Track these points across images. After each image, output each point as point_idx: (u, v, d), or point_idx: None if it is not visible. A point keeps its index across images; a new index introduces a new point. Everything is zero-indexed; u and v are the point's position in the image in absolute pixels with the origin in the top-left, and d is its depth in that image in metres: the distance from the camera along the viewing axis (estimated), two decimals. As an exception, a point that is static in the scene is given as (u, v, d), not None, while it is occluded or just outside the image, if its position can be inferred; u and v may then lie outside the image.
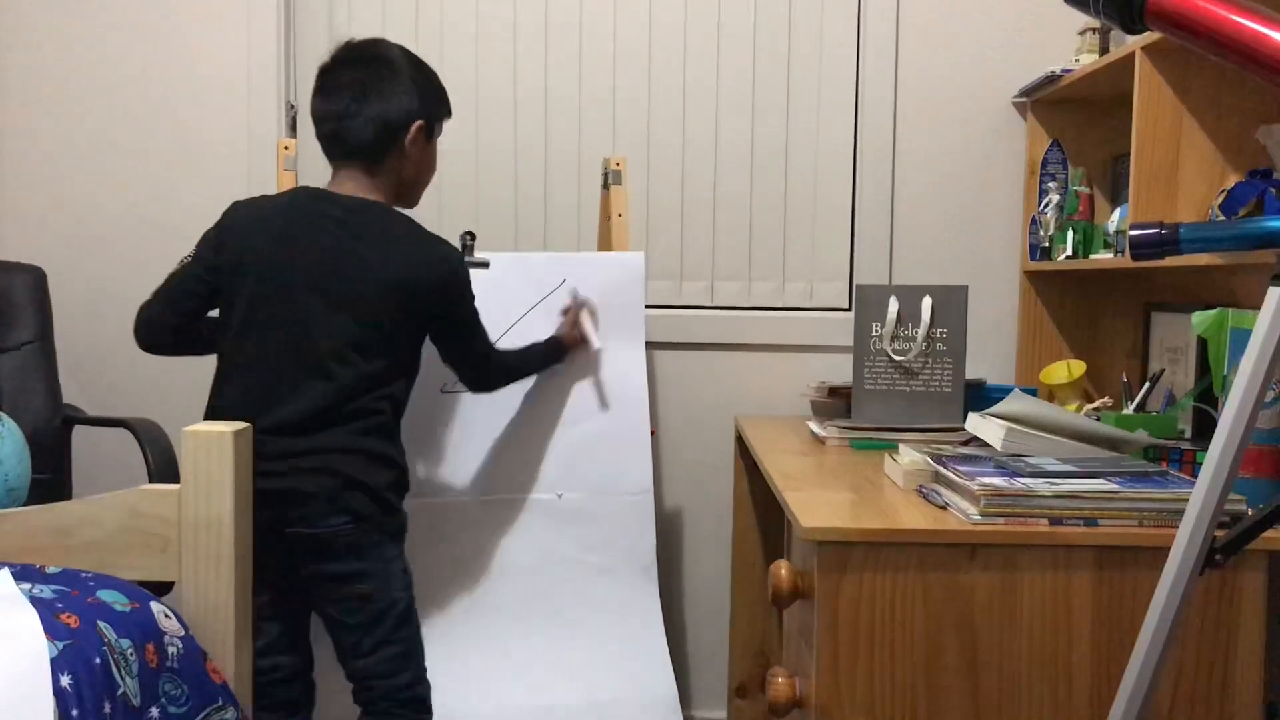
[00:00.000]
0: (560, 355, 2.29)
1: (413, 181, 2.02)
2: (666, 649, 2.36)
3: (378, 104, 1.92)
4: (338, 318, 1.87)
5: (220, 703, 1.82)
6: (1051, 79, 2.54)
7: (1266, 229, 1.18)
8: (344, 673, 1.97)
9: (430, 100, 2.00)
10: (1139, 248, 1.22)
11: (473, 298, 2.01)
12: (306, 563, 1.91)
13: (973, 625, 1.51)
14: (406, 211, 2.00)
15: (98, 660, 1.58)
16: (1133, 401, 2.15)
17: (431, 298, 1.94)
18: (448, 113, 2.09)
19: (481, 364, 2.10)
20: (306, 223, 1.91)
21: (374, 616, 1.91)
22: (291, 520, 1.88)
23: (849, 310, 2.85)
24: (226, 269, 1.96)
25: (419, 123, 1.95)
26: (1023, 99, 2.74)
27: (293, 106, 2.86)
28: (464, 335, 2.03)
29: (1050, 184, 2.63)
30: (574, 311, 2.32)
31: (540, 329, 2.39)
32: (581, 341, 2.31)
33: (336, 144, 1.95)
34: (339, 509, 1.87)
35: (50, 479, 2.51)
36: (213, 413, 1.94)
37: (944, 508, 1.62)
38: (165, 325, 2.04)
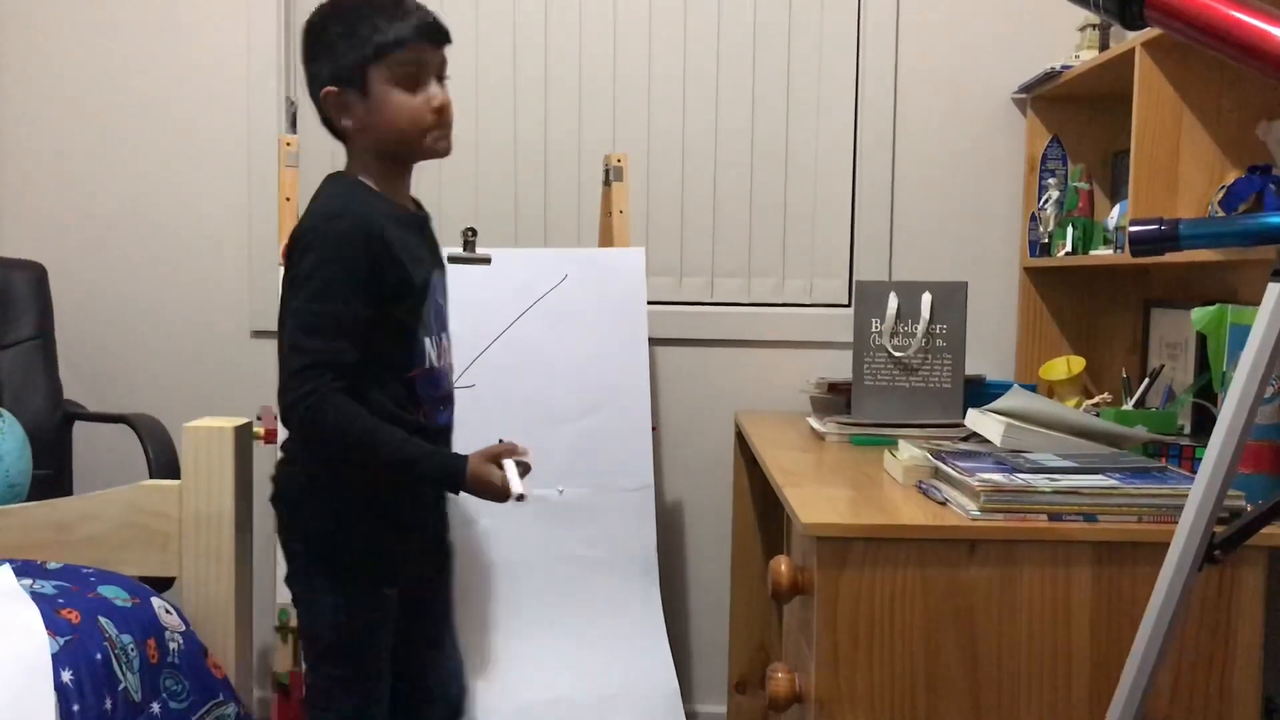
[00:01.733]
0: (447, 482, 1.69)
1: (374, 140, 1.71)
2: (667, 644, 2.37)
3: (310, 85, 1.72)
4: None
5: (221, 698, 1.83)
6: (1051, 75, 2.54)
7: (1266, 225, 1.18)
8: None
9: (342, 52, 1.68)
10: (1139, 244, 1.22)
11: (308, 279, 1.60)
12: None
13: (972, 621, 1.52)
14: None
15: (99, 656, 1.59)
16: (1132, 397, 2.15)
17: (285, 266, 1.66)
18: (388, 47, 1.67)
19: (281, 372, 1.63)
20: None
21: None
22: None
23: (849, 306, 2.85)
24: None
25: (326, 90, 1.68)
26: (1022, 95, 2.74)
27: (293, 102, 2.86)
28: (286, 319, 1.64)
29: (1050, 180, 2.63)
30: (500, 451, 1.69)
31: (540, 327, 2.39)
32: (491, 485, 1.66)
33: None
34: (278, 518, 1.73)
35: (51, 475, 2.52)
36: None
37: (943, 503, 1.62)
38: None
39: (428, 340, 1.73)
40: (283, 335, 1.64)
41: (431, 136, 1.72)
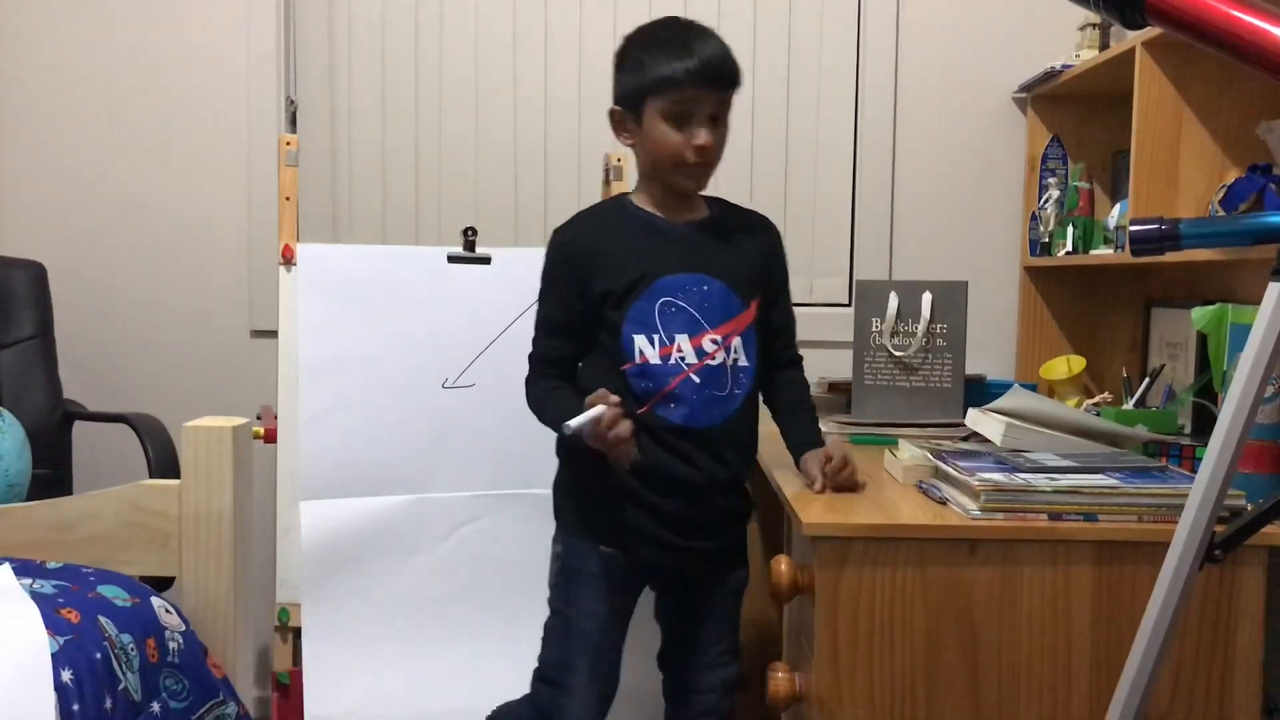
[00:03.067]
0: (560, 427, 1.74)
1: (651, 164, 1.84)
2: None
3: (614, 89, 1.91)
4: None
5: (221, 697, 1.82)
6: (1052, 74, 2.54)
7: (1266, 224, 1.18)
8: None
9: (627, 78, 1.83)
10: (1139, 243, 1.22)
11: (540, 275, 1.93)
12: None
13: (972, 620, 1.52)
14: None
15: (99, 655, 1.59)
16: (1132, 397, 2.15)
17: None
18: (664, 85, 1.77)
19: None
20: None
21: None
22: None
23: (849, 306, 2.84)
24: None
25: (610, 109, 1.87)
26: (1023, 94, 2.74)
27: (292, 102, 2.86)
28: None
29: (1050, 179, 2.63)
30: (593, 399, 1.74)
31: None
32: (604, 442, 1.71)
33: None
34: None
35: (51, 474, 2.51)
36: None
37: (944, 503, 1.62)
38: None
39: (640, 338, 1.81)
40: None
41: (683, 172, 1.81)
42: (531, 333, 1.89)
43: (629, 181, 2.61)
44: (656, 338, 1.81)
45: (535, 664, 1.93)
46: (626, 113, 1.83)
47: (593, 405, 1.70)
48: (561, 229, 1.89)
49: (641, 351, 1.80)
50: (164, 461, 2.38)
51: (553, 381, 1.86)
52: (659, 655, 2.01)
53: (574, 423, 1.70)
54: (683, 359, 1.81)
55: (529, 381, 1.90)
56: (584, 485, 1.88)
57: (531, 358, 1.90)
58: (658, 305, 1.82)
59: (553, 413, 1.81)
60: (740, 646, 1.99)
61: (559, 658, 1.89)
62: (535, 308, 1.89)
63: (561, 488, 1.94)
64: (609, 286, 1.81)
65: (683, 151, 1.77)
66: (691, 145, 1.77)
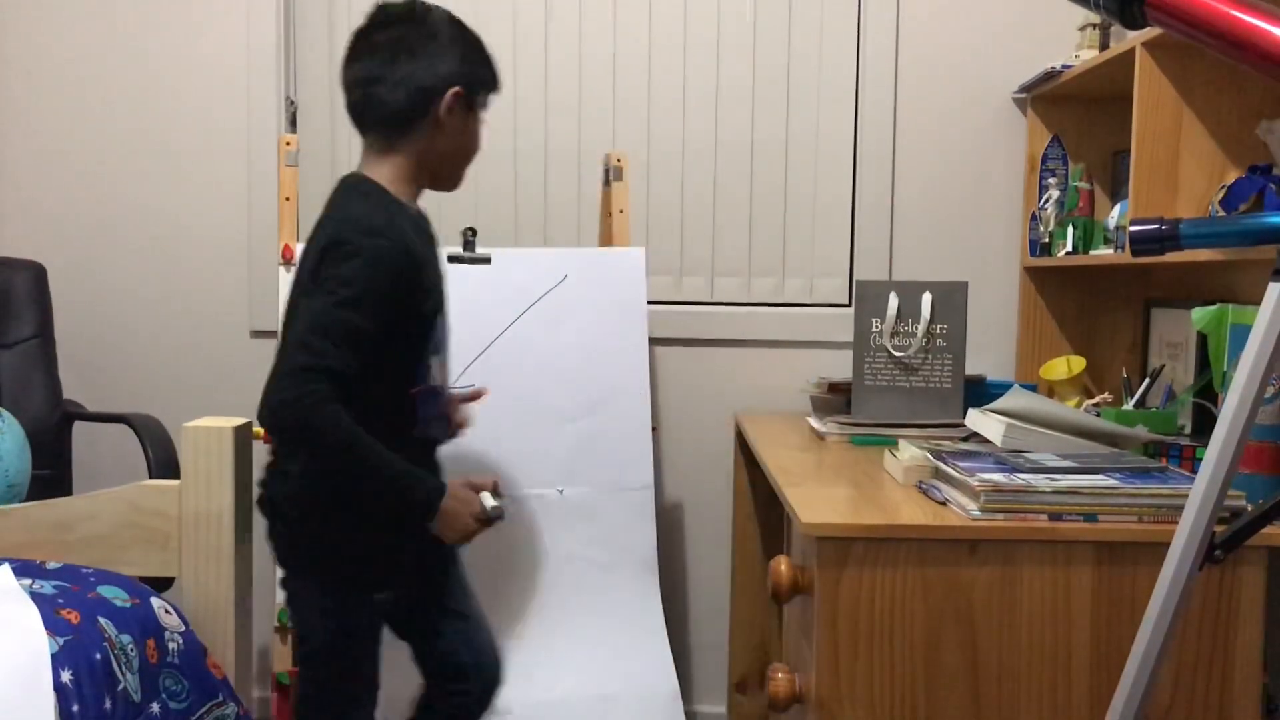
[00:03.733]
0: (418, 505, 1.65)
1: (448, 157, 1.75)
2: (667, 644, 2.37)
3: (408, 66, 1.68)
4: (291, 309, 1.70)
5: (221, 698, 1.82)
6: (1052, 75, 2.54)
7: (1266, 225, 1.18)
8: None
9: (472, 66, 1.74)
10: (1139, 243, 1.22)
11: (339, 284, 1.59)
12: None
13: (972, 621, 1.52)
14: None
15: (98, 656, 1.59)
16: (1132, 397, 2.15)
17: (308, 276, 1.64)
18: (494, 85, 1.79)
19: (277, 364, 1.59)
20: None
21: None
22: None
23: (849, 306, 2.84)
24: None
25: (457, 89, 1.70)
26: (1023, 95, 2.74)
27: (292, 102, 2.86)
28: (298, 314, 1.63)
29: (1050, 180, 2.63)
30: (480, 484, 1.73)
31: (540, 327, 2.39)
32: (461, 527, 1.68)
33: (361, 113, 1.73)
34: (270, 526, 1.76)
35: (51, 475, 2.51)
36: None
37: (944, 503, 1.62)
38: None
39: (435, 359, 1.76)
40: (286, 330, 1.64)
41: (464, 170, 1.81)
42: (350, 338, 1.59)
43: (629, 181, 2.61)
44: (436, 359, 1.77)
45: None
46: (461, 100, 1.72)
47: (488, 490, 1.69)
48: (384, 230, 1.64)
49: (432, 374, 1.74)
50: (164, 462, 2.38)
51: (346, 412, 1.57)
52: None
53: (499, 505, 1.68)
54: (442, 377, 1.80)
55: (312, 399, 1.54)
56: (346, 533, 1.70)
57: (309, 369, 1.55)
58: (445, 322, 1.79)
59: (398, 473, 1.62)
60: None
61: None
62: (332, 306, 1.58)
63: (317, 537, 1.71)
64: (424, 302, 1.70)
65: (475, 153, 1.80)
66: (480, 147, 1.80)
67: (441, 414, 1.80)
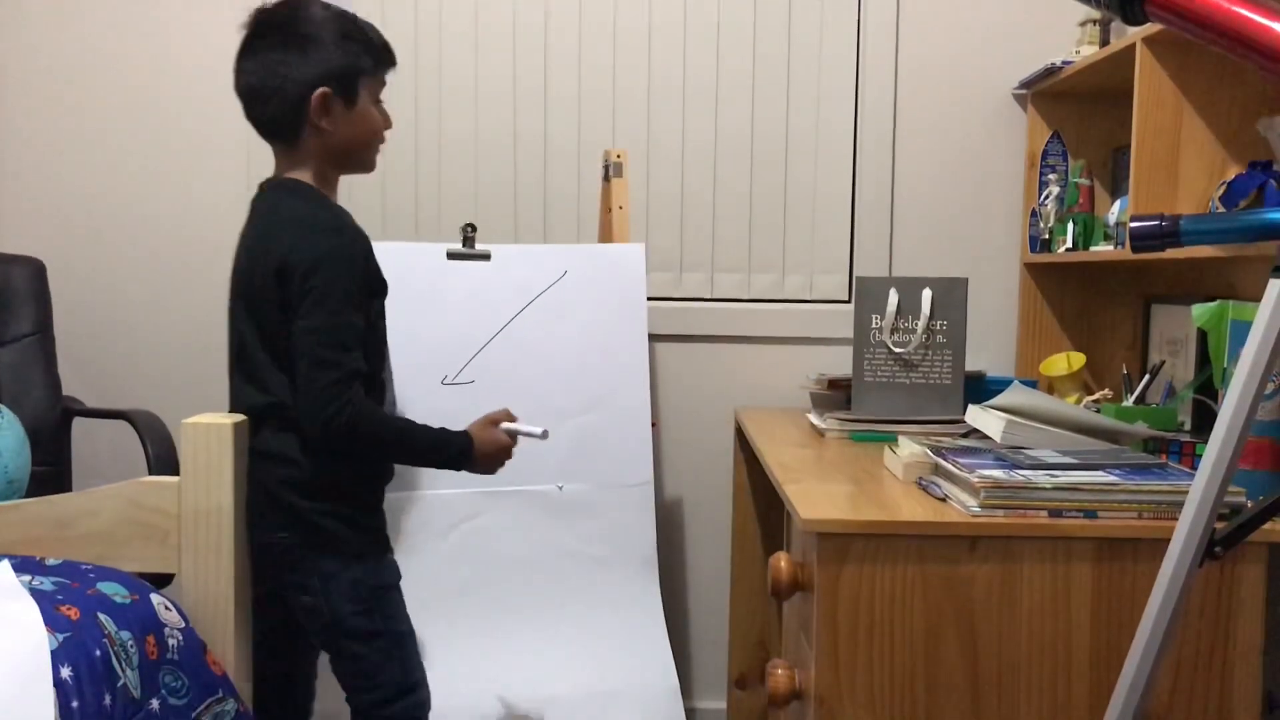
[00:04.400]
0: (457, 459, 1.80)
1: (347, 150, 1.78)
2: (667, 640, 2.37)
3: (276, 76, 1.71)
4: (243, 313, 1.77)
5: (220, 694, 1.82)
6: (1052, 71, 2.54)
7: (1267, 221, 1.18)
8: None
9: (345, 57, 1.74)
10: (1139, 240, 1.22)
11: (329, 296, 1.66)
12: (261, 572, 1.84)
13: (972, 617, 1.52)
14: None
15: (98, 652, 1.59)
16: (1132, 394, 2.15)
17: (268, 280, 1.70)
18: (377, 67, 1.80)
19: (310, 389, 1.67)
20: (249, 218, 1.82)
21: (321, 630, 1.81)
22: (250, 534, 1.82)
23: (849, 302, 2.84)
24: None
25: (321, 90, 1.71)
26: (1023, 91, 2.73)
27: (292, 98, 2.85)
28: (299, 338, 1.68)
29: (1050, 176, 2.63)
30: (496, 417, 1.86)
31: (540, 323, 2.38)
32: (499, 447, 1.83)
33: (254, 124, 1.77)
34: (263, 518, 1.80)
35: (50, 471, 2.51)
36: None
37: (943, 500, 1.62)
38: None
39: (387, 347, 1.86)
40: (292, 353, 1.70)
41: (375, 154, 1.84)
42: (332, 344, 1.68)
43: (629, 177, 2.61)
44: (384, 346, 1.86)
45: (370, 699, 1.81)
46: (334, 95, 1.73)
47: (510, 421, 1.83)
48: (341, 227, 1.73)
49: (389, 361, 1.85)
50: (163, 458, 2.38)
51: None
52: None
53: (533, 431, 1.83)
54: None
55: (353, 406, 1.66)
56: (368, 505, 1.82)
57: (340, 380, 1.66)
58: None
59: (434, 440, 1.77)
60: None
61: (404, 671, 1.83)
62: (329, 316, 1.66)
63: (336, 515, 1.77)
64: (380, 290, 1.80)
65: (382, 132, 1.82)
66: (388, 124, 1.83)
67: (391, 400, 1.93)
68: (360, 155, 1.82)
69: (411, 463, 1.94)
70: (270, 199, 1.78)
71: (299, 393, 1.68)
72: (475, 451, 1.80)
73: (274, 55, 1.72)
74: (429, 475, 2.30)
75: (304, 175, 1.77)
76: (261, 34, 1.75)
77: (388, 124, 1.84)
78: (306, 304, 1.66)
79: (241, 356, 1.79)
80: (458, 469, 1.81)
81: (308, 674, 1.98)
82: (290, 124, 1.74)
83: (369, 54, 1.78)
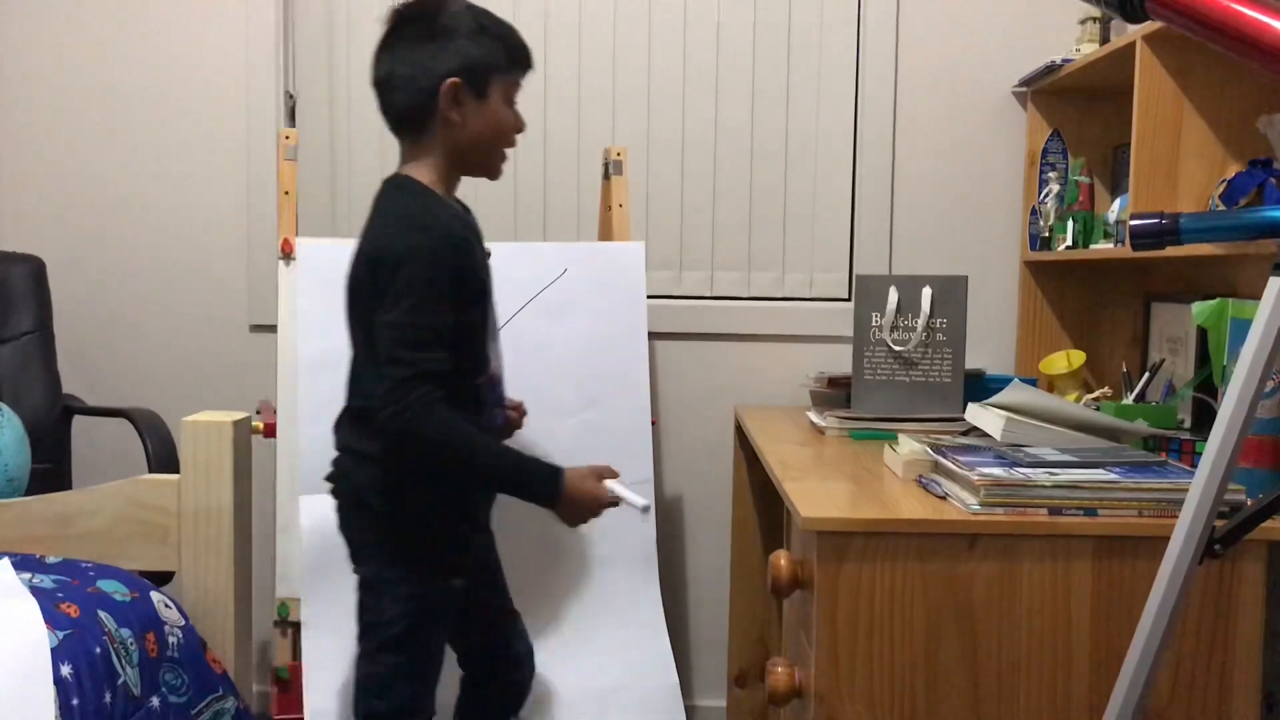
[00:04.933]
0: (540, 494, 1.73)
1: (473, 147, 1.76)
2: (667, 638, 2.37)
3: (411, 65, 1.71)
4: (352, 312, 1.75)
5: (220, 692, 1.83)
6: (1052, 69, 2.53)
7: (1267, 219, 1.18)
8: None
9: (476, 52, 1.72)
10: (1139, 238, 1.22)
11: (408, 292, 1.63)
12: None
13: (972, 615, 1.52)
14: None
15: (98, 650, 1.59)
16: (1132, 392, 2.15)
17: (362, 275, 1.70)
18: (514, 66, 1.78)
19: (378, 383, 1.65)
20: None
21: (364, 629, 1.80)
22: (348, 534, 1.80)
23: (849, 300, 2.84)
24: None
25: (451, 80, 1.69)
26: (1023, 89, 2.73)
27: (291, 96, 2.86)
28: (377, 331, 1.66)
29: (1050, 174, 2.63)
30: (602, 471, 1.77)
31: (540, 321, 2.38)
32: (590, 500, 1.75)
33: (385, 115, 1.76)
34: (341, 511, 1.79)
35: (50, 469, 2.52)
36: None
37: (943, 498, 1.62)
38: None
39: (492, 346, 1.80)
40: (371, 347, 1.68)
41: (503, 156, 1.82)
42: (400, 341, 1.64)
43: (629, 175, 2.61)
44: (493, 346, 1.81)
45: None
46: (466, 87, 1.72)
47: (612, 478, 1.74)
48: (432, 225, 1.69)
49: (492, 360, 1.79)
50: (163, 456, 2.38)
51: (449, 409, 1.65)
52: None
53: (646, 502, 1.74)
54: (500, 362, 1.84)
55: (420, 405, 1.62)
56: (426, 518, 1.75)
57: (410, 379, 1.62)
58: (492, 309, 1.81)
59: (518, 464, 1.72)
60: None
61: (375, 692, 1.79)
62: (406, 313, 1.63)
63: (405, 521, 1.74)
64: (475, 288, 1.74)
65: (512, 135, 1.80)
66: (518, 129, 1.80)
67: (501, 402, 1.86)
68: (485, 154, 1.79)
69: (488, 482, 1.80)
70: (382, 194, 1.76)
71: (374, 385, 1.67)
72: (564, 494, 1.71)
73: (410, 47, 1.72)
74: (429, 473, 2.30)
75: (422, 171, 1.75)
76: (400, 28, 1.75)
77: (519, 127, 1.81)
78: (388, 299, 1.63)
79: (353, 355, 1.77)
80: (540, 504, 1.73)
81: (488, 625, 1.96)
82: (419, 115, 1.72)
83: (505, 52, 1.77)
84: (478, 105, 1.73)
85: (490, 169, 1.82)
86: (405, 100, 1.72)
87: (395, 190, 1.75)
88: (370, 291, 1.67)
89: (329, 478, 1.79)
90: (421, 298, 1.62)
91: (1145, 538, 1.50)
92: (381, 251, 1.66)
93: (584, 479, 1.72)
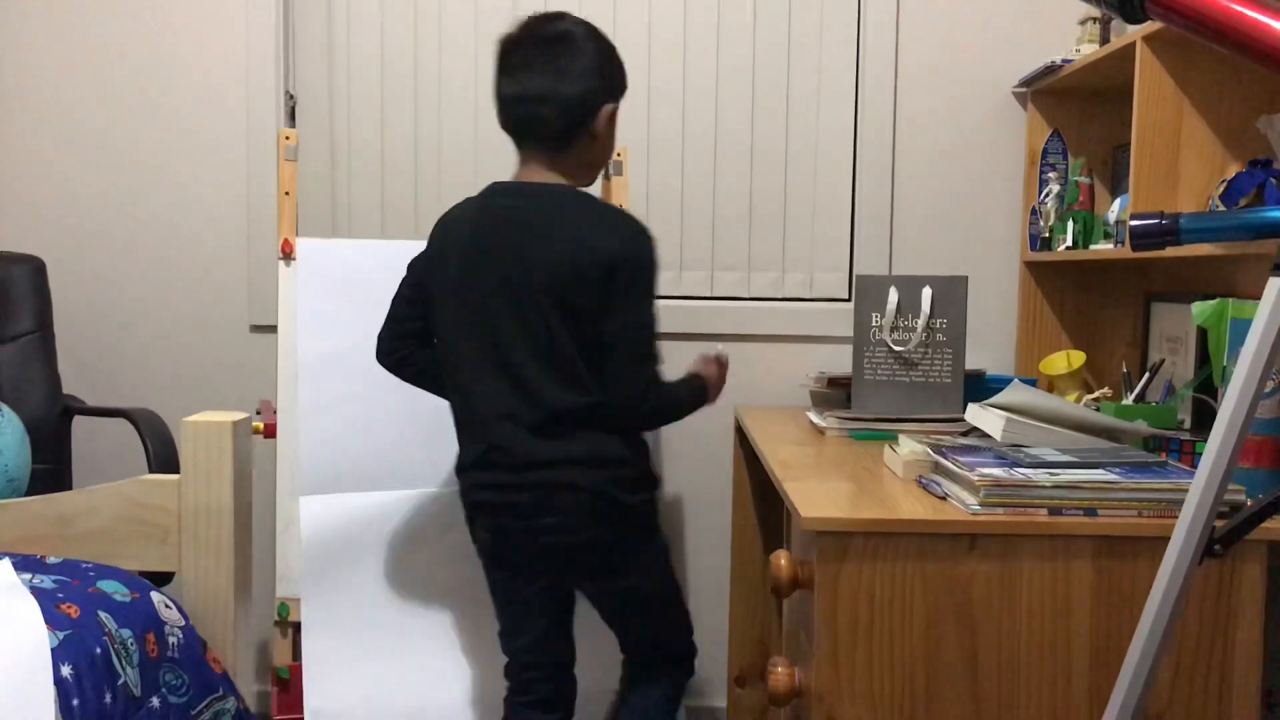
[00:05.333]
0: (704, 398, 1.98)
1: (596, 163, 1.93)
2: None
3: (568, 87, 1.81)
4: (552, 313, 1.79)
5: (221, 692, 1.83)
6: (1052, 69, 2.54)
7: (1267, 219, 1.17)
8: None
9: (617, 80, 1.90)
10: (1139, 238, 1.22)
11: (651, 293, 1.82)
12: (571, 565, 1.91)
13: (972, 615, 1.52)
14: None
15: (98, 650, 1.59)
16: (1132, 392, 2.15)
17: (595, 276, 1.78)
18: (625, 90, 1.96)
19: (636, 381, 1.83)
20: (496, 220, 1.85)
21: (642, 603, 1.98)
22: (547, 529, 1.82)
23: (849, 301, 2.85)
24: (427, 282, 1.92)
25: (610, 106, 1.86)
26: (1023, 89, 2.73)
27: (291, 96, 2.86)
28: (624, 333, 1.81)
29: (1050, 174, 2.63)
30: (716, 362, 2.04)
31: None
32: (720, 386, 2.03)
33: (524, 128, 1.86)
34: (592, 520, 1.83)
35: (50, 469, 2.52)
36: (456, 424, 1.93)
37: (943, 498, 1.62)
38: (385, 339, 1.98)
39: None
40: (602, 346, 1.81)
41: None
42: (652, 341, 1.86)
43: (629, 176, 2.61)
44: None
45: (669, 652, 2.05)
46: (615, 114, 1.90)
47: (711, 354, 2.03)
48: (646, 229, 1.87)
49: None
50: (163, 456, 2.38)
51: None
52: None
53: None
54: None
55: (661, 382, 1.88)
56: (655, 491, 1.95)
57: (659, 368, 1.87)
58: None
59: (694, 392, 1.96)
60: None
61: (689, 630, 2.09)
62: (650, 313, 1.83)
63: (651, 502, 1.92)
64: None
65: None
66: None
67: None
68: (598, 169, 1.95)
69: (687, 410, 2.00)
70: (553, 200, 1.84)
71: (619, 382, 1.81)
72: (710, 390, 1.99)
73: (562, 68, 1.82)
74: (428, 472, 2.30)
75: (569, 181, 1.87)
76: (542, 44, 1.84)
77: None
78: (631, 300, 1.79)
79: (552, 357, 1.80)
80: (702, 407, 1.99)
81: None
82: (567, 130, 1.83)
83: (626, 77, 1.93)
84: (611, 128, 1.89)
85: (593, 180, 1.96)
86: (555, 115, 1.82)
87: (577, 198, 1.86)
88: (599, 292, 1.78)
89: (539, 499, 1.81)
90: (654, 299, 1.83)
91: (1145, 538, 1.50)
92: (627, 256, 1.79)
93: (708, 366, 2.00)
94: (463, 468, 1.91)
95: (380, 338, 1.98)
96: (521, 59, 1.84)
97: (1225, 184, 1.89)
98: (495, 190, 1.89)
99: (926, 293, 2.28)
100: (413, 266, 1.98)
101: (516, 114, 1.85)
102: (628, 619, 2.01)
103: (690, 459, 2.85)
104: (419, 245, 2.43)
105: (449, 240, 1.89)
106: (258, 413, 2.44)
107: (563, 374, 1.79)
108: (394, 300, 1.99)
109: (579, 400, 1.79)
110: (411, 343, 1.96)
